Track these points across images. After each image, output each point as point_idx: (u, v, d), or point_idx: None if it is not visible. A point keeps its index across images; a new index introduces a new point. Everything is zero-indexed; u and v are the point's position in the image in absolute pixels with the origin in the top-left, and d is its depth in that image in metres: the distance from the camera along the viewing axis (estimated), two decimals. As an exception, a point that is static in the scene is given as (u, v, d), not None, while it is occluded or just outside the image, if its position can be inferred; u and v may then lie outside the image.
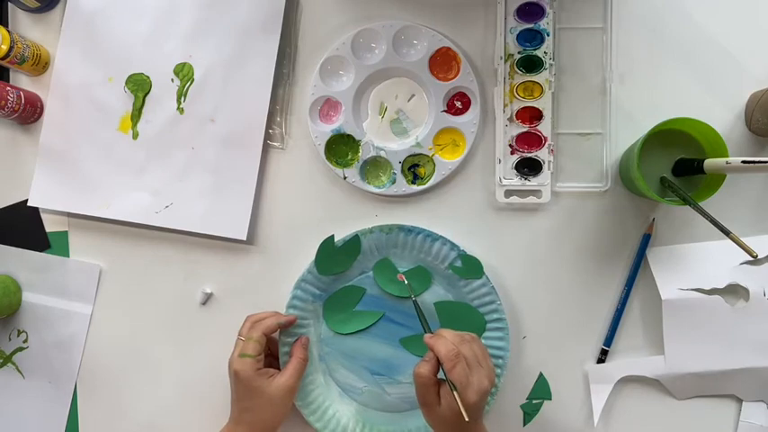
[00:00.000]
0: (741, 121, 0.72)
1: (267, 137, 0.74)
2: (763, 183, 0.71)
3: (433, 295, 0.72)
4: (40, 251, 0.77)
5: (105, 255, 0.77)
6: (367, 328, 0.72)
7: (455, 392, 0.57)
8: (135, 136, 0.75)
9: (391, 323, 0.72)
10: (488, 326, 0.71)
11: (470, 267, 0.70)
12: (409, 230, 0.71)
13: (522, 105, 0.72)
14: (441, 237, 0.70)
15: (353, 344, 0.73)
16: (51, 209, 0.77)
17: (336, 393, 0.73)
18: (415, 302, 0.66)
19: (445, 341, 0.60)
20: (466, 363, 0.58)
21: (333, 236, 0.71)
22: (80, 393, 0.76)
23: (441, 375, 0.60)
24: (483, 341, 0.70)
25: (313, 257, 0.71)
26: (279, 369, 0.69)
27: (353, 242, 0.71)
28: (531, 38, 0.71)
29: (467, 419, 0.56)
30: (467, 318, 0.71)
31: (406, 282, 0.69)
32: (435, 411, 0.60)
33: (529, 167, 0.72)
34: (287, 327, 0.70)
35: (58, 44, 0.76)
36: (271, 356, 0.72)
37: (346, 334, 0.73)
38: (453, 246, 0.70)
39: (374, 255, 0.72)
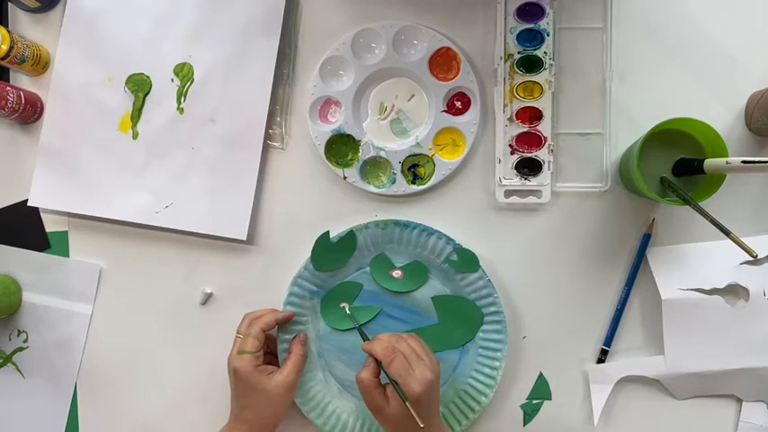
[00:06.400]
0: (741, 121, 0.72)
1: (267, 137, 0.74)
2: (763, 183, 0.71)
3: (430, 290, 0.72)
4: (40, 251, 0.77)
5: (105, 255, 0.77)
6: (365, 323, 0.72)
7: (397, 387, 0.59)
8: (135, 136, 0.75)
9: (389, 318, 0.72)
10: (486, 319, 0.71)
11: (466, 261, 0.70)
12: (405, 225, 0.71)
13: (522, 105, 0.72)
14: (436, 231, 0.71)
15: (352, 340, 0.72)
16: (51, 209, 0.77)
17: (336, 390, 0.73)
18: (358, 329, 0.69)
19: (380, 341, 0.63)
20: (404, 357, 0.61)
21: (328, 232, 0.71)
22: (80, 393, 0.76)
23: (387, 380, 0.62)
24: (481, 335, 0.71)
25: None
26: (278, 367, 0.69)
27: (349, 238, 0.71)
28: (531, 38, 0.71)
29: (420, 423, 0.57)
30: (464, 311, 0.71)
31: (348, 312, 0.71)
32: (385, 413, 0.61)
33: (529, 167, 0.72)
34: (285, 323, 0.71)
35: (57, 44, 0.76)
36: (270, 354, 0.72)
37: (344, 330, 0.73)
38: (449, 240, 0.70)
39: (370, 250, 0.73)
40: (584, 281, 0.73)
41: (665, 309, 0.70)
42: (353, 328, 0.71)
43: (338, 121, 0.74)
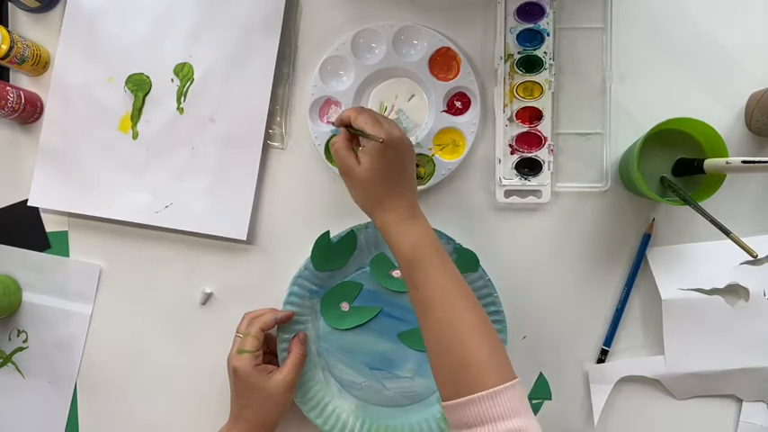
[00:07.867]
0: (741, 121, 0.72)
1: (267, 137, 0.74)
2: (763, 183, 0.71)
3: None
4: (40, 251, 0.77)
5: (105, 255, 0.77)
6: (365, 323, 0.72)
7: (364, 133, 0.59)
8: (135, 136, 0.75)
9: (389, 318, 0.72)
10: None
11: (466, 260, 0.70)
12: None
13: (522, 105, 0.72)
14: (436, 231, 0.70)
15: (352, 339, 0.73)
16: (51, 209, 0.77)
17: (336, 389, 0.73)
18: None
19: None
20: (371, 114, 0.62)
21: (328, 231, 0.71)
22: (80, 393, 0.76)
23: None
24: None
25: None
26: (278, 366, 0.69)
27: (349, 237, 0.71)
28: (531, 38, 0.71)
29: (381, 138, 0.58)
30: None
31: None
32: (355, 173, 0.61)
33: (529, 167, 0.72)
34: (284, 322, 0.71)
35: (57, 44, 0.76)
36: (270, 354, 0.72)
37: (344, 330, 0.73)
38: (449, 239, 0.70)
39: (370, 250, 0.72)
40: (584, 281, 0.73)
41: (665, 309, 0.70)
42: (353, 327, 0.72)
43: (338, 121, 0.74)
